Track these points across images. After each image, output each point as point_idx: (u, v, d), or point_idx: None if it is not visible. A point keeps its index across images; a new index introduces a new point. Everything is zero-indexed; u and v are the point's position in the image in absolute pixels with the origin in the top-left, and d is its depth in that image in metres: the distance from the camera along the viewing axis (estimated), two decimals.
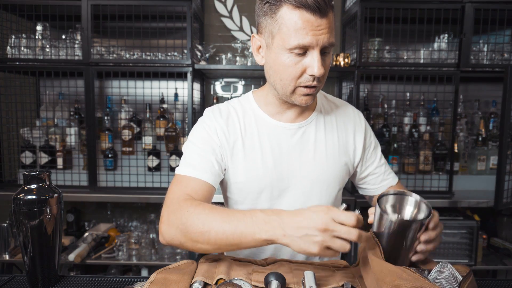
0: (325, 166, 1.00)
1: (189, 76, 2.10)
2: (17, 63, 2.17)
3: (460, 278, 0.68)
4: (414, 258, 0.80)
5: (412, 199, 0.79)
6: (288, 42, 0.81)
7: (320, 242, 0.68)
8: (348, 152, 1.04)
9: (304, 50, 0.82)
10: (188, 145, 0.98)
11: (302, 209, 0.73)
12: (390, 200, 0.80)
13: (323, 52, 0.84)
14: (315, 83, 0.86)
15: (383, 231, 0.75)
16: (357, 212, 0.70)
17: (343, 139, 1.03)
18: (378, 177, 1.10)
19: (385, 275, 0.68)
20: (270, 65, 0.89)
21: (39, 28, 2.19)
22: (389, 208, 0.81)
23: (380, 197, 0.79)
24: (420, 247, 0.79)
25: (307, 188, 0.99)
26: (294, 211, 0.73)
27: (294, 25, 0.79)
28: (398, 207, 0.80)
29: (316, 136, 1.00)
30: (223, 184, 1.03)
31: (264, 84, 1.03)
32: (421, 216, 0.78)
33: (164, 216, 0.85)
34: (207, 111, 1.01)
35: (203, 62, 2.31)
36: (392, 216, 0.76)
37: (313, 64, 0.82)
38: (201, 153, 0.95)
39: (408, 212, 0.80)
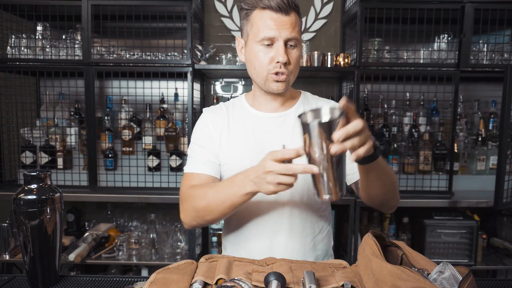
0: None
1: (189, 76, 2.10)
2: (17, 63, 2.17)
3: (461, 278, 0.68)
4: (352, 158, 0.78)
5: (326, 107, 0.78)
6: (258, 36, 1.00)
7: (270, 182, 0.83)
8: None
9: (271, 42, 1.00)
10: (190, 146, 1.16)
11: (263, 161, 0.85)
12: (309, 115, 0.78)
13: (289, 45, 1.01)
14: (282, 69, 1.01)
15: (310, 147, 0.74)
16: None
17: None
18: (353, 163, 1.09)
19: (385, 275, 0.68)
20: (248, 58, 1.07)
21: (39, 28, 2.19)
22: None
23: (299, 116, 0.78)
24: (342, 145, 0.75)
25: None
26: (256, 166, 0.87)
27: (262, 22, 0.99)
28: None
29: (294, 124, 1.12)
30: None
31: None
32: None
33: (180, 208, 1.07)
34: (203, 110, 1.19)
35: (203, 62, 2.31)
36: (311, 121, 0.73)
37: (278, 52, 0.99)
38: (199, 150, 1.12)
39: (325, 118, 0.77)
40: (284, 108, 1.14)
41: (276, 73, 1.02)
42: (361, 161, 0.87)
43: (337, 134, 0.72)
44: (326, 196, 0.78)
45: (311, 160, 0.76)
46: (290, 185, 0.83)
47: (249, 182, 0.88)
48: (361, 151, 0.77)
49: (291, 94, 1.17)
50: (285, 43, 1.00)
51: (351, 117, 0.75)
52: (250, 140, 1.10)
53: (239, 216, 1.12)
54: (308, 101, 1.18)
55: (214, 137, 1.12)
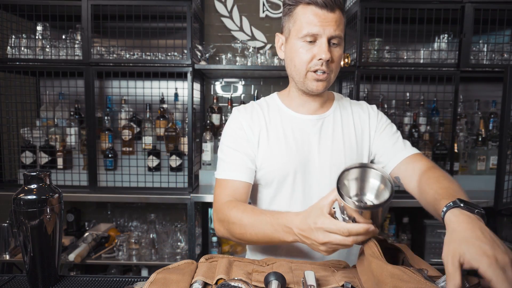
0: (342, 153, 1.08)
1: (189, 76, 2.10)
2: (17, 63, 2.17)
3: (467, 286, 0.67)
4: None
5: (374, 173, 0.74)
6: (301, 32, 0.96)
7: (325, 250, 0.80)
8: (364, 136, 1.13)
9: (313, 39, 0.96)
10: (222, 148, 1.11)
11: (307, 220, 0.81)
12: (350, 181, 0.75)
13: (332, 43, 0.98)
14: (323, 67, 0.98)
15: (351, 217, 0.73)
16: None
17: (359, 128, 1.13)
18: (390, 150, 1.09)
19: (386, 277, 0.68)
20: (287, 55, 1.04)
21: (39, 28, 2.19)
22: (352, 190, 0.76)
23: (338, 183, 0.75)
24: None
25: (326, 173, 1.07)
26: (301, 221, 0.82)
27: (306, 18, 0.95)
28: (359, 186, 0.76)
29: (334, 127, 1.10)
30: None
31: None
32: (386, 194, 0.72)
33: (215, 217, 1.04)
34: (234, 110, 1.14)
35: (203, 62, 2.31)
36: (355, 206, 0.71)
37: (321, 49, 0.96)
38: (232, 153, 1.07)
39: (372, 192, 0.75)
40: (322, 111, 1.11)
41: (316, 71, 0.99)
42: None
43: None
44: None
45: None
46: (344, 246, 0.77)
47: (295, 237, 0.85)
48: None
49: (327, 96, 1.14)
50: (328, 40, 0.96)
51: None
52: (291, 143, 1.07)
53: None
54: (341, 104, 1.15)
55: (251, 139, 1.07)
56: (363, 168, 0.75)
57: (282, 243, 0.90)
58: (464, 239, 0.64)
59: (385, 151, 1.10)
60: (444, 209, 0.75)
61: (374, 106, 1.18)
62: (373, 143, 1.13)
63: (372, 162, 1.15)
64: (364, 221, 0.72)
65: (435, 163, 1.02)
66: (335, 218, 0.78)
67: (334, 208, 0.79)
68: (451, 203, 0.74)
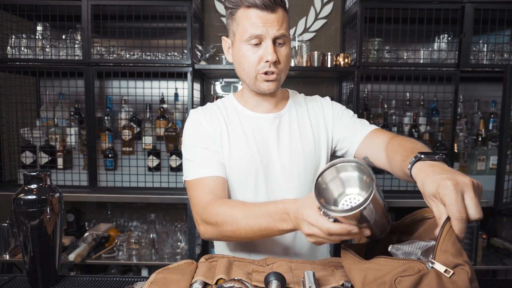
0: (301, 152, 1.08)
1: (189, 76, 2.10)
2: (17, 63, 2.17)
3: (420, 242, 0.67)
4: None
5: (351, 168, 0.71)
6: (245, 34, 0.96)
7: (312, 241, 0.76)
8: (320, 131, 1.12)
9: (259, 41, 0.97)
10: (186, 149, 1.09)
11: (298, 208, 0.77)
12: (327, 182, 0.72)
13: (277, 43, 0.98)
14: (271, 69, 0.98)
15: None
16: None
17: (315, 124, 1.13)
18: (350, 133, 1.10)
19: (368, 284, 0.65)
20: (235, 59, 1.03)
21: (39, 28, 2.19)
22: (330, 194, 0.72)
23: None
24: None
25: (287, 172, 1.07)
26: (295, 208, 0.79)
27: (248, 21, 0.95)
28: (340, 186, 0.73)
29: (290, 125, 1.10)
30: None
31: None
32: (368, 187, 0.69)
33: (198, 220, 0.98)
34: (191, 111, 1.13)
35: (203, 62, 2.31)
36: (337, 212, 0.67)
37: (266, 51, 0.96)
38: (200, 152, 1.05)
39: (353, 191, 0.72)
40: (277, 109, 1.12)
41: (266, 73, 0.99)
42: None
43: None
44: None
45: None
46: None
47: (292, 223, 0.81)
48: None
49: (282, 94, 1.14)
50: (273, 41, 0.97)
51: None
52: (252, 142, 1.06)
53: None
54: (297, 101, 1.16)
55: (213, 136, 1.06)
56: (334, 166, 0.72)
57: (279, 233, 0.86)
58: (429, 180, 0.67)
59: (345, 136, 1.11)
60: (409, 166, 0.76)
61: (328, 98, 1.18)
62: (334, 132, 1.12)
63: (335, 152, 1.16)
64: (347, 222, 0.69)
65: (395, 133, 1.03)
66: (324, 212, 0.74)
67: None
68: (412, 158, 0.75)
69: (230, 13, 1.00)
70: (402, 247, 0.69)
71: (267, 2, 0.93)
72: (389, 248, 0.71)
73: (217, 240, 0.99)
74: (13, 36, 2.15)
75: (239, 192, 1.07)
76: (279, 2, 0.96)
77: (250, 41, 0.97)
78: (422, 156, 0.74)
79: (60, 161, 2.20)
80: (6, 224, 2.13)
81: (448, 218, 0.62)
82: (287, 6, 1.01)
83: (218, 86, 2.65)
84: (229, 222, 0.89)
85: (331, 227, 0.69)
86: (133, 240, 2.21)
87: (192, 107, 2.12)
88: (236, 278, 0.77)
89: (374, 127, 1.09)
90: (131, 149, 2.25)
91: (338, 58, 2.22)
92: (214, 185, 1.00)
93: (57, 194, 0.86)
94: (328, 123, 1.13)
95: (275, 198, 1.05)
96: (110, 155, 2.21)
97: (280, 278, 0.75)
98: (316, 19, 2.56)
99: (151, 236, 2.24)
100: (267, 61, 0.97)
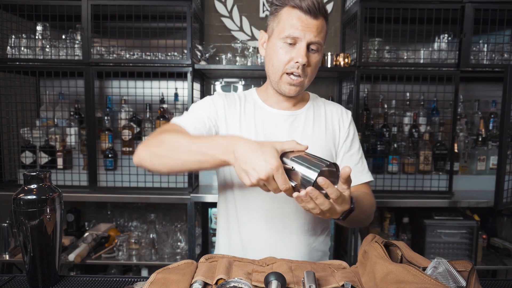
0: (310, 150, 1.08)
1: (189, 76, 2.10)
2: (17, 63, 2.17)
3: (455, 273, 0.68)
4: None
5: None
6: (283, 33, 1.00)
7: (255, 182, 0.77)
8: (335, 140, 1.16)
9: (293, 42, 0.99)
10: (189, 109, 1.11)
11: (259, 147, 0.78)
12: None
13: (310, 48, 1.01)
14: (299, 70, 1.01)
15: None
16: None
17: (330, 128, 1.16)
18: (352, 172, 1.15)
19: (390, 282, 0.67)
20: (268, 53, 1.07)
21: (39, 28, 2.19)
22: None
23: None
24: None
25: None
26: (252, 144, 0.79)
27: (289, 21, 0.99)
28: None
29: (304, 124, 1.13)
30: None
31: (263, 84, 1.19)
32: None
33: (139, 145, 0.96)
34: (216, 92, 1.17)
35: (203, 62, 2.31)
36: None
37: (299, 53, 0.99)
38: (193, 112, 1.08)
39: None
40: (295, 108, 1.15)
41: (292, 73, 1.02)
42: (340, 218, 0.89)
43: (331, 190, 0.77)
44: None
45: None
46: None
47: (231, 156, 0.80)
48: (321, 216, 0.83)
49: (302, 96, 1.17)
50: (308, 45, 1.00)
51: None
52: (260, 135, 1.09)
53: (246, 213, 1.11)
54: (317, 103, 1.19)
55: (219, 115, 1.09)
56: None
57: (209, 162, 0.84)
58: None
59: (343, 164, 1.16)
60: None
61: (350, 112, 1.21)
62: (339, 148, 1.17)
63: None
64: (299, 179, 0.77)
65: (373, 195, 1.16)
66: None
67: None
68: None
69: (275, 9, 1.03)
70: (441, 267, 0.70)
71: (312, 7, 0.96)
72: (435, 259, 0.72)
73: (145, 163, 0.94)
74: (13, 36, 2.15)
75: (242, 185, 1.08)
76: (322, 11, 0.99)
77: (286, 40, 1.00)
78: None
79: (60, 161, 2.20)
80: (6, 224, 2.12)
81: (473, 268, 0.69)
82: (328, 17, 1.03)
83: (218, 86, 2.65)
84: (173, 139, 0.89)
85: (280, 171, 0.75)
86: (133, 240, 2.21)
87: None
88: (236, 278, 0.77)
89: (369, 178, 1.17)
90: (131, 149, 2.25)
91: (338, 58, 2.22)
92: (177, 128, 1.00)
93: (57, 194, 0.86)
94: (342, 135, 1.16)
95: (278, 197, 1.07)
96: (110, 155, 2.21)
97: (280, 278, 0.75)
98: None
99: (151, 236, 2.24)
100: (297, 62, 1.00)
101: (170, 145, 0.89)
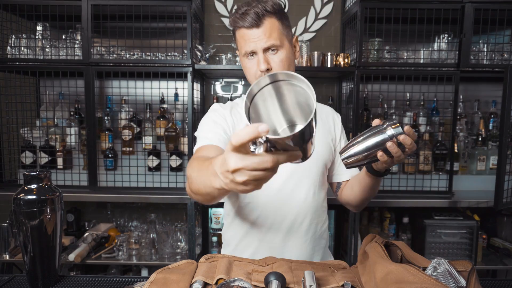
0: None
1: (189, 76, 2.10)
2: (17, 63, 2.17)
3: (455, 273, 0.68)
4: (378, 167, 1.01)
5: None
6: (242, 50, 1.11)
7: (242, 183, 0.60)
8: (332, 136, 1.26)
9: (253, 54, 1.09)
10: (200, 129, 1.14)
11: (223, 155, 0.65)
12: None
13: (271, 50, 1.08)
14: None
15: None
16: None
17: (327, 126, 1.26)
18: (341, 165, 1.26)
19: (390, 282, 0.67)
20: (243, 68, 1.16)
21: (39, 28, 2.19)
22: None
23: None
24: None
25: (294, 169, 1.15)
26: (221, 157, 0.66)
27: (241, 39, 1.09)
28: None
29: None
30: None
31: None
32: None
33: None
34: (214, 104, 1.23)
35: (203, 62, 2.31)
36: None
37: (258, 63, 1.08)
38: (208, 129, 1.11)
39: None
40: None
41: None
42: (371, 170, 1.02)
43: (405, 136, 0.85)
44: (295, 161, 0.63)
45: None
46: (270, 177, 0.61)
47: (217, 179, 0.66)
48: (384, 166, 0.96)
49: None
50: (265, 51, 1.08)
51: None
52: None
53: (249, 213, 1.14)
54: None
55: (229, 127, 1.13)
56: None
57: (219, 193, 0.78)
58: None
59: (339, 164, 1.27)
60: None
61: (339, 115, 1.33)
62: (337, 147, 1.27)
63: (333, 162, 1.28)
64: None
65: None
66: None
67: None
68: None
69: (233, 33, 1.15)
70: (441, 267, 0.70)
71: (251, 22, 1.05)
72: (435, 259, 0.73)
73: (195, 198, 0.90)
74: (13, 36, 2.15)
75: None
76: (264, 13, 1.05)
77: (247, 56, 1.10)
78: None
79: (60, 161, 2.20)
80: (6, 224, 2.12)
81: (473, 268, 0.71)
82: (278, 9, 1.07)
83: (218, 86, 2.65)
84: (189, 172, 0.87)
85: (256, 160, 0.57)
86: (133, 240, 2.21)
87: (192, 107, 2.12)
88: (236, 278, 0.77)
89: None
90: (131, 149, 2.25)
91: (338, 58, 2.22)
92: (209, 150, 1.01)
93: (57, 194, 0.86)
94: (337, 132, 1.27)
95: (283, 193, 1.14)
96: (110, 155, 2.21)
97: (280, 278, 0.75)
98: (316, 19, 2.56)
99: (151, 236, 2.24)
100: (261, 71, 1.08)
101: (191, 182, 0.85)
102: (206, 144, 1.05)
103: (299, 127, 0.60)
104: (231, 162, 0.57)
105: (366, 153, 0.87)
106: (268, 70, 1.07)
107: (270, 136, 0.54)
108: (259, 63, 1.07)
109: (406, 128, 0.86)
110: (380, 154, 0.86)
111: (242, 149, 0.57)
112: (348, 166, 0.90)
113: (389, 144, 0.84)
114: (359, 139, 0.87)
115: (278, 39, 1.07)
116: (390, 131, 0.85)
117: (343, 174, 1.28)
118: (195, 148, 1.10)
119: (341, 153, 0.89)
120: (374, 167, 1.01)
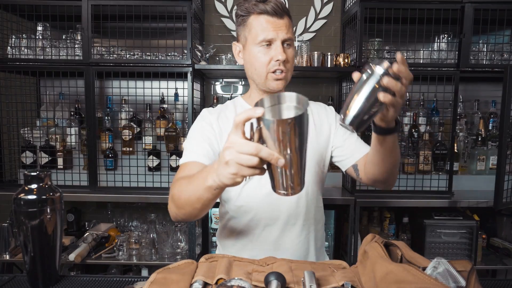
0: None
1: (189, 76, 2.10)
2: (18, 63, 2.17)
3: (455, 273, 0.68)
4: (377, 121, 0.89)
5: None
6: (257, 38, 1.06)
7: (228, 161, 0.65)
8: (323, 134, 1.21)
9: (269, 43, 1.06)
10: (188, 141, 1.14)
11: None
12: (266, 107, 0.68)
13: (286, 44, 1.08)
14: (281, 67, 1.08)
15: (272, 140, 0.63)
16: None
17: (319, 124, 1.22)
18: (349, 147, 1.19)
19: (390, 282, 0.67)
20: (247, 61, 1.13)
21: (39, 28, 2.19)
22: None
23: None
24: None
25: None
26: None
27: (260, 26, 1.06)
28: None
29: None
30: None
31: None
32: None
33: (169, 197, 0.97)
34: (203, 110, 1.21)
35: (203, 62, 2.31)
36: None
37: (277, 51, 1.06)
38: (196, 143, 1.11)
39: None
40: None
41: (275, 71, 1.08)
42: (380, 131, 0.91)
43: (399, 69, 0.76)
44: (282, 192, 0.69)
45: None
46: (253, 169, 0.65)
47: (212, 172, 0.72)
48: (391, 113, 0.83)
49: None
50: (282, 43, 1.07)
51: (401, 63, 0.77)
52: None
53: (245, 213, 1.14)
54: None
55: (216, 136, 1.11)
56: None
57: (207, 195, 0.79)
58: None
59: (344, 148, 1.20)
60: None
61: (332, 107, 1.30)
62: (334, 139, 1.22)
63: (331, 158, 1.24)
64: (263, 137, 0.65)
65: None
66: None
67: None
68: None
69: (242, 20, 1.10)
70: (441, 267, 0.70)
71: (277, 9, 1.04)
72: (435, 259, 0.73)
73: (176, 218, 0.96)
74: (13, 36, 2.16)
75: (240, 186, 1.12)
76: (286, 10, 1.08)
77: (262, 44, 1.06)
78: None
79: (60, 161, 2.20)
80: (6, 224, 2.12)
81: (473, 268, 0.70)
82: (290, 15, 1.11)
83: (218, 86, 2.65)
84: (177, 189, 0.90)
85: (242, 142, 0.64)
86: (133, 240, 2.21)
87: (192, 107, 2.12)
88: (236, 278, 0.77)
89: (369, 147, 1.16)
90: (131, 149, 2.25)
91: (338, 58, 2.22)
92: (194, 168, 1.00)
93: (57, 194, 0.86)
94: (332, 129, 1.22)
95: (275, 194, 1.08)
96: (110, 155, 2.21)
97: (280, 278, 0.75)
98: (316, 19, 2.56)
99: (151, 236, 2.24)
100: (277, 60, 1.06)
101: (177, 194, 0.90)
102: (193, 160, 1.05)
103: (286, 115, 0.68)
104: (229, 138, 0.66)
105: (367, 104, 0.80)
106: (284, 62, 1.07)
107: (258, 114, 0.62)
108: (278, 52, 1.06)
109: (397, 56, 0.79)
110: (381, 95, 0.78)
111: (241, 130, 0.66)
112: (356, 129, 0.81)
113: (385, 80, 0.77)
114: (353, 97, 0.83)
115: (293, 36, 1.11)
116: (379, 69, 0.79)
117: (352, 154, 1.19)
118: (181, 161, 1.09)
119: (343, 120, 0.81)
120: (382, 124, 0.90)
